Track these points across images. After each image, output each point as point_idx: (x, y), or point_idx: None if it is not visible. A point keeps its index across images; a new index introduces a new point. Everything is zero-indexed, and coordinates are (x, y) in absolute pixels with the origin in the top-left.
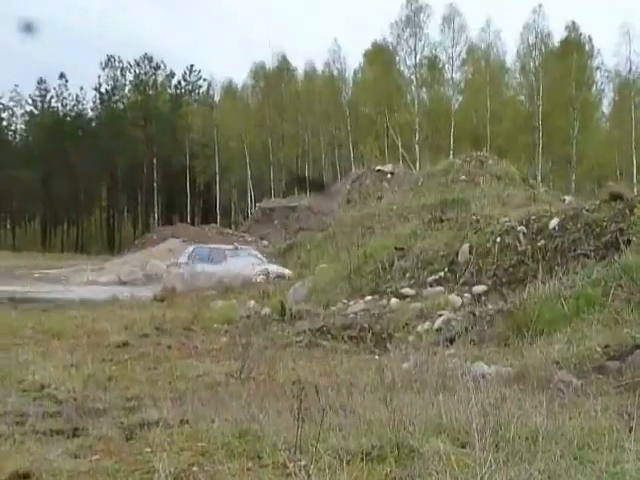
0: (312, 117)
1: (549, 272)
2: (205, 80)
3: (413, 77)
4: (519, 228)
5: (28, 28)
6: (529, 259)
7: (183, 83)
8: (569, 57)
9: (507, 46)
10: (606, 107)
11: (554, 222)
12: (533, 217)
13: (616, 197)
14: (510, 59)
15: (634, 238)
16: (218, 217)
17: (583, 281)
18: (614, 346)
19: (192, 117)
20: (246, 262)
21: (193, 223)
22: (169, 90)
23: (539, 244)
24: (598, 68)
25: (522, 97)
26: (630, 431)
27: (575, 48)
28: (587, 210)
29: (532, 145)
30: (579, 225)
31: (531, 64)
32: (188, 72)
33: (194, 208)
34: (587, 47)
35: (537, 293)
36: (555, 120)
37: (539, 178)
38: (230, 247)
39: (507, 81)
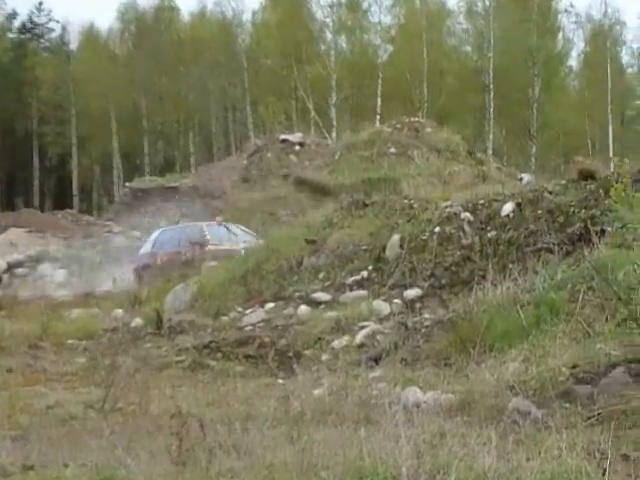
0: (199, 71)
1: (502, 271)
2: (58, 23)
3: (329, 20)
4: (464, 215)
5: None
6: (476, 255)
7: (29, 26)
8: None
9: None
10: (575, 61)
11: (508, 208)
12: (482, 201)
13: (587, 176)
14: None
15: (609, 228)
16: (75, 201)
17: (545, 283)
18: (584, 366)
19: (41, 70)
20: (231, 237)
21: (42, 209)
22: (10, 35)
23: (489, 236)
24: (565, 11)
25: (469, 47)
26: (603, 474)
27: None
28: (550, 192)
29: (481, 109)
30: (540, 212)
31: (480, 5)
32: (36, 12)
33: (44, 189)
34: None
35: (486, 298)
36: (511, 77)
37: (490, 151)
38: (208, 223)
39: (450, 27)
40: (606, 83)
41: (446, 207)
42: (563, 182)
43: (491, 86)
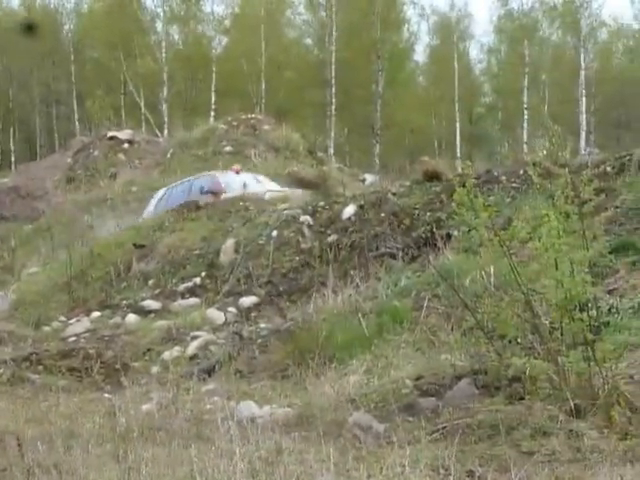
0: (19, 61)
1: (343, 278)
2: None
3: (160, 10)
4: (303, 218)
5: None
6: (316, 260)
7: None
8: None
9: None
10: (421, 55)
11: (350, 210)
12: (322, 204)
13: (432, 176)
14: None
15: (455, 232)
16: None
17: (388, 290)
18: (429, 377)
19: None
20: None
21: None
22: None
23: (330, 240)
24: (411, 3)
25: (309, 40)
26: None
27: None
28: (394, 194)
29: (323, 105)
30: (383, 215)
31: None
32: None
33: None
34: None
35: (327, 307)
36: (354, 72)
37: (331, 150)
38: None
39: (290, 18)
40: (453, 79)
41: (284, 209)
42: (408, 183)
43: (333, 81)
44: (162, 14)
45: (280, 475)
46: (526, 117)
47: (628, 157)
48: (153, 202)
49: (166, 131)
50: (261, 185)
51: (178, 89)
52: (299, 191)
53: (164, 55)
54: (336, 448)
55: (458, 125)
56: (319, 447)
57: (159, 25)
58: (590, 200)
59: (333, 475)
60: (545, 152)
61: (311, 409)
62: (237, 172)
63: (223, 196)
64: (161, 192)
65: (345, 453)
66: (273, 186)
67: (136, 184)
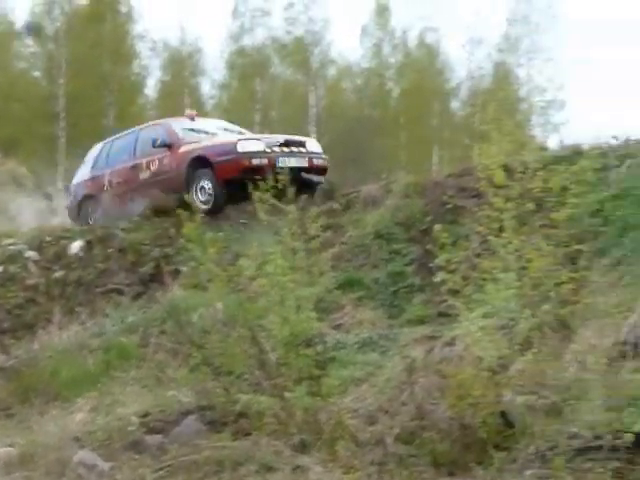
0: None
1: (69, 314)
2: None
3: None
4: (28, 254)
5: None
6: (42, 296)
7: None
8: (102, 20)
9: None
10: (152, 89)
11: (77, 246)
12: (49, 239)
13: (161, 211)
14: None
15: (184, 268)
16: None
17: (115, 327)
18: (155, 414)
19: None
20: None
21: None
22: None
23: (56, 276)
24: (141, 37)
25: (38, 73)
26: None
27: (109, 8)
28: (122, 229)
29: (52, 138)
30: (111, 250)
31: (50, 27)
32: None
33: None
34: (124, 8)
35: (52, 343)
36: (84, 105)
37: (60, 184)
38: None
39: (18, 49)
40: (184, 113)
41: (9, 245)
42: (136, 218)
43: (62, 114)
44: None
45: None
46: None
47: (355, 194)
48: (88, 161)
49: None
50: (230, 133)
51: None
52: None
53: None
54: None
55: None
56: None
57: None
58: (317, 236)
59: None
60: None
61: (35, 448)
62: (192, 118)
63: (182, 149)
64: (95, 150)
65: None
66: (244, 132)
67: None
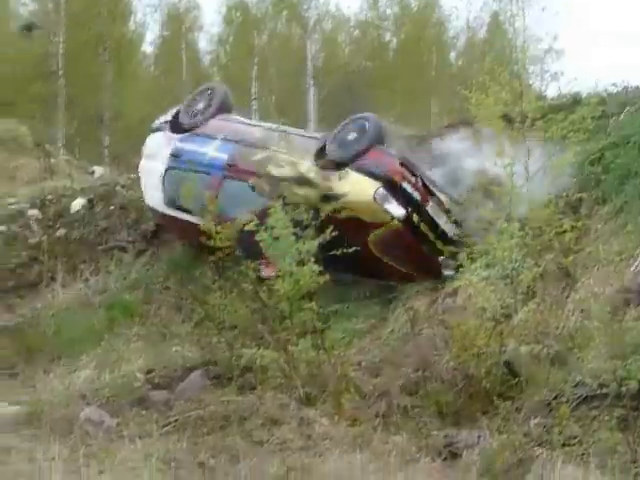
0: None
1: (72, 272)
2: None
3: None
4: (30, 213)
5: None
6: (45, 255)
7: None
8: None
9: None
10: (150, 45)
11: (78, 204)
12: (50, 197)
13: None
14: None
15: None
16: None
17: (118, 284)
18: (160, 370)
19: None
20: None
21: None
22: None
23: (58, 234)
24: None
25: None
26: None
27: None
28: (123, 186)
29: (51, 97)
30: (112, 207)
31: None
32: None
33: None
34: None
35: (56, 301)
36: (82, 63)
37: (60, 143)
38: None
39: (14, 9)
40: (182, 70)
41: (11, 204)
42: (134, 175)
43: (60, 73)
44: None
45: (7, 476)
46: (255, 108)
47: None
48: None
49: None
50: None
51: None
52: None
53: None
54: (66, 445)
55: None
56: (49, 445)
57: None
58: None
59: (62, 474)
60: None
61: (41, 406)
62: None
63: None
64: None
65: (76, 450)
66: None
67: None
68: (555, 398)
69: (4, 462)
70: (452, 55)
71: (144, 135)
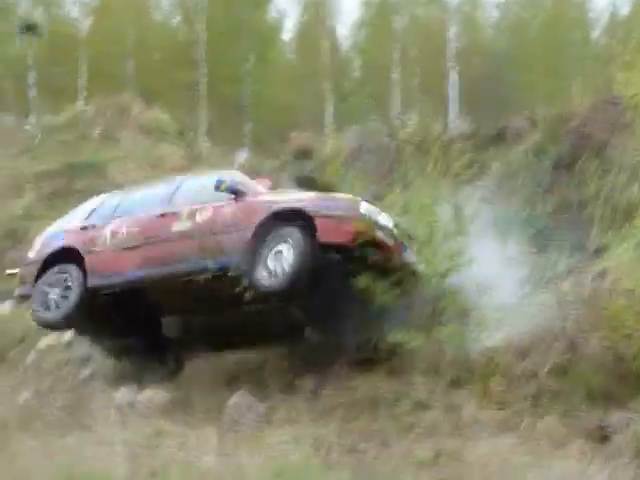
0: None
1: None
2: None
3: None
4: None
5: None
6: None
7: None
8: None
9: None
10: (290, 32)
11: None
12: None
13: (303, 153)
14: None
15: None
16: None
17: None
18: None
19: None
20: None
21: None
22: None
23: None
24: None
25: (176, 20)
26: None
27: None
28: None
29: (192, 85)
30: None
31: None
32: None
33: None
34: None
35: None
36: (223, 51)
37: (203, 130)
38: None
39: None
40: (322, 56)
41: None
42: (279, 161)
43: (202, 60)
44: None
45: (161, 459)
46: (397, 92)
47: (497, 130)
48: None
49: (33, 116)
50: None
51: (44, 73)
52: None
53: (28, 38)
54: (217, 430)
55: (331, 103)
56: (200, 430)
57: (21, 4)
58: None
59: (214, 457)
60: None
61: (191, 391)
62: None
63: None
64: (97, 200)
65: (226, 434)
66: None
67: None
68: None
69: (157, 447)
70: (595, 33)
71: (285, 121)
